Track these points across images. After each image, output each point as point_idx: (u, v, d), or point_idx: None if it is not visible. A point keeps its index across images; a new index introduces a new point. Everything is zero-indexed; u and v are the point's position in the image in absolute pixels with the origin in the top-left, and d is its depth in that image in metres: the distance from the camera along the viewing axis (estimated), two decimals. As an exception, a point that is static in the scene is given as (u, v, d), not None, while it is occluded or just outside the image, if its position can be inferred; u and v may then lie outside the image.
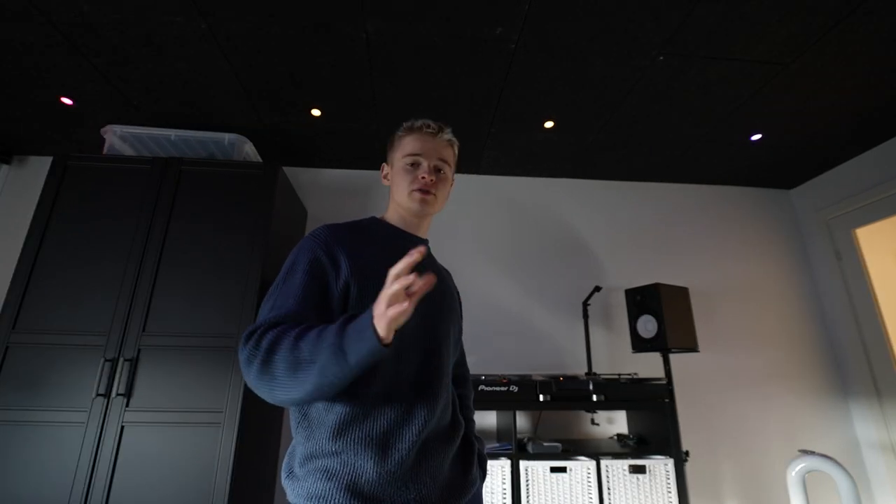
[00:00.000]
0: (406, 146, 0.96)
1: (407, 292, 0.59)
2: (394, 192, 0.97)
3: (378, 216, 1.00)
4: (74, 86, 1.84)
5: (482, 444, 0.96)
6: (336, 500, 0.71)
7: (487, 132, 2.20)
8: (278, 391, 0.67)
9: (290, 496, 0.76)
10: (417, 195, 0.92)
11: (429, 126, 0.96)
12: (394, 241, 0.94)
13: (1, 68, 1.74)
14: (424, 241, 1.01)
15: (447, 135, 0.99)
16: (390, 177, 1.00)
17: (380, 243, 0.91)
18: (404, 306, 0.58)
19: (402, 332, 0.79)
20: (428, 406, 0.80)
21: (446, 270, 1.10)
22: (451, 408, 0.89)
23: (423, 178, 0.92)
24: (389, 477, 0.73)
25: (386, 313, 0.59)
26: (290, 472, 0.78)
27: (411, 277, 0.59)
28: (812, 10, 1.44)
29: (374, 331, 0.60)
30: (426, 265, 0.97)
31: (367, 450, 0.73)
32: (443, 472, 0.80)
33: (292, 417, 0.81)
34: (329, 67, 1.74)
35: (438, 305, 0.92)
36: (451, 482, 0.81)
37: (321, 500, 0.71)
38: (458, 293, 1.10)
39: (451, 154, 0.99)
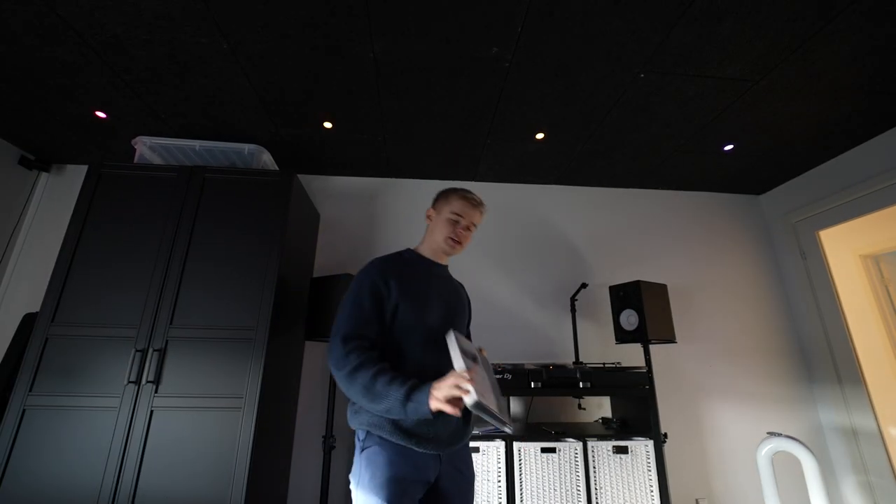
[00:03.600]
0: (454, 205, 1.21)
1: (455, 397, 0.88)
2: (433, 231, 1.23)
3: (413, 248, 1.25)
4: (107, 100, 1.84)
5: None
6: (385, 427, 1.00)
7: (483, 143, 2.20)
8: (352, 395, 0.97)
9: (353, 424, 1.04)
10: (451, 242, 1.20)
11: (474, 198, 1.23)
12: (426, 269, 1.21)
13: (40, 84, 1.74)
14: (445, 267, 1.28)
15: (482, 208, 1.25)
16: (433, 219, 1.25)
17: (418, 271, 1.18)
18: (452, 410, 0.88)
19: (436, 330, 1.10)
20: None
21: (459, 283, 1.34)
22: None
23: (459, 232, 1.21)
24: (419, 420, 1.00)
25: (441, 403, 0.88)
26: (356, 410, 1.04)
27: (462, 388, 0.87)
28: (779, 33, 1.45)
29: (429, 406, 0.89)
30: (444, 283, 1.23)
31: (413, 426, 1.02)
32: (452, 423, 1.07)
33: None
34: (339, 84, 1.74)
35: (454, 310, 1.21)
36: (455, 430, 1.08)
37: (376, 426, 1.00)
38: (468, 299, 1.35)
39: (480, 220, 1.25)
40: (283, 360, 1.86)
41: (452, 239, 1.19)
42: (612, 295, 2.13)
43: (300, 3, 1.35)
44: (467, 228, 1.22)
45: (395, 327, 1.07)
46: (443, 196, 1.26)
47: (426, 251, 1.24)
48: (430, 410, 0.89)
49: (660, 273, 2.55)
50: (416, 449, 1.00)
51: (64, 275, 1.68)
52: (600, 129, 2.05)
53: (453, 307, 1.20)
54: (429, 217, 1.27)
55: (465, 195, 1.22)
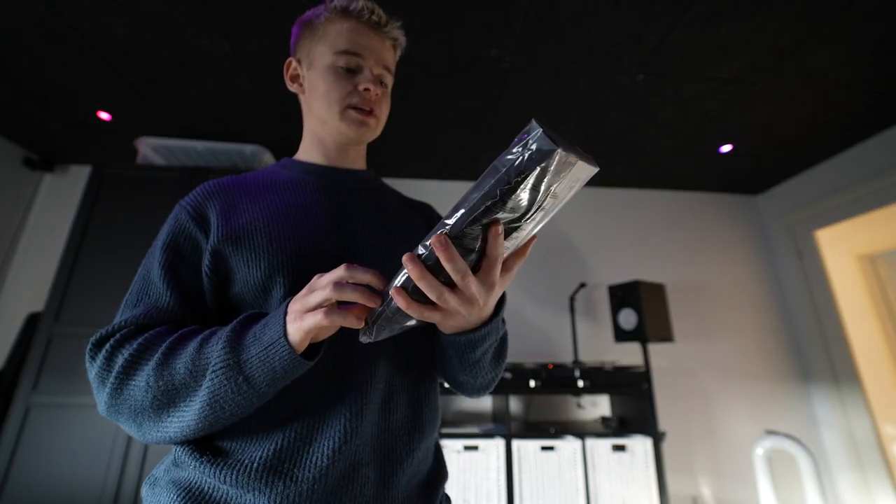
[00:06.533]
0: (339, 38, 0.57)
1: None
2: (313, 106, 0.60)
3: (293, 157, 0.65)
4: (110, 101, 1.84)
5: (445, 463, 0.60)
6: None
7: (482, 143, 2.20)
8: (148, 429, 0.42)
9: None
10: (355, 115, 0.57)
11: (373, 12, 0.57)
12: (300, 181, 0.58)
13: (43, 85, 1.74)
14: (361, 172, 0.64)
15: (395, 30, 0.60)
16: (307, 82, 0.60)
17: (283, 189, 0.56)
18: (345, 317, 0.36)
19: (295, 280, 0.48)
20: (354, 404, 0.45)
21: (413, 202, 0.72)
22: (412, 400, 0.53)
23: (368, 89, 0.56)
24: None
25: (306, 315, 0.37)
26: (155, 479, 0.48)
27: (361, 274, 0.37)
28: (776, 35, 1.45)
29: (287, 336, 0.37)
30: (355, 203, 0.60)
31: (248, 479, 0.41)
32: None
33: None
34: (340, 85, 1.74)
35: (366, 231, 0.56)
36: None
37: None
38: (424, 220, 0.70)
39: (393, 60, 0.62)
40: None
41: (356, 109, 0.57)
42: (610, 294, 2.13)
43: (301, 4, 1.35)
44: (378, 81, 0.59)
45: (234, 300, 0.50)
46: (306, 29, 0.61)
47: (311, 152, 0.63)
48: (291, 337, 0.38)
49: (658, 273, 2.56)
50: None
51: (67, 275, 1.68)
52: (598, 130, 2.06)
53: (358, 221, 0.57)
54: (292, 80, 0.63)
55: (351, 9, 0.57)
